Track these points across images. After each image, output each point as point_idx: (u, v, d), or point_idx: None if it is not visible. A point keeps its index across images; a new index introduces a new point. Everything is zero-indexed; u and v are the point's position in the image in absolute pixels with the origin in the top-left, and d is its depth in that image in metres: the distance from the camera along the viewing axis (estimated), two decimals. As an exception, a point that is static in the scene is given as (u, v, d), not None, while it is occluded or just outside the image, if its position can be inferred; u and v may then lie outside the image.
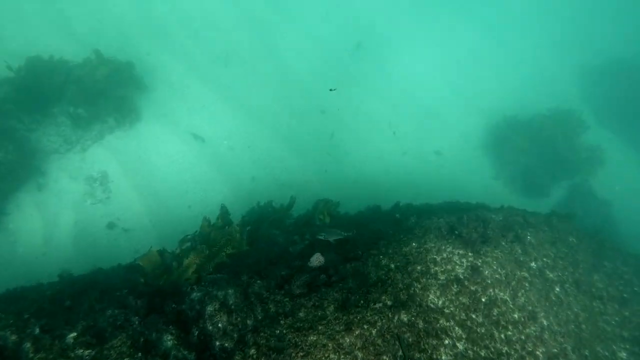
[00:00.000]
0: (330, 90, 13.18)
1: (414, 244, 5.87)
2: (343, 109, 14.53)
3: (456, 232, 6.24)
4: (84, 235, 9.81)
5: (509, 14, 21.98)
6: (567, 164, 15.18)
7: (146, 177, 10.97)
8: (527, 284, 5.86)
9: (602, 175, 15.58)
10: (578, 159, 15.35)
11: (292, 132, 13.05)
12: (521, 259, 6.13)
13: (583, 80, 19.51)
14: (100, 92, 10.77)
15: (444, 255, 5.74)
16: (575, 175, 15.37)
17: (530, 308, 5.62)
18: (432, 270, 5.52)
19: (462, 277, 5.55)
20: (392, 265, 5.56)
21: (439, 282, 5.42)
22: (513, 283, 5.77)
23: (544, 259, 6.38)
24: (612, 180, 15.97)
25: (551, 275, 6.24)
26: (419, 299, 5.16)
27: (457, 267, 5.65)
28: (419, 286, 5.31)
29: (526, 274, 5.99)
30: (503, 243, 6.20)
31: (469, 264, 5.72)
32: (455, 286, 5.43)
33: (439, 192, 13.64)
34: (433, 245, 5.85)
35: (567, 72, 19.92)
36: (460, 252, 5.84)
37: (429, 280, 5.40)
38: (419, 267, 5.53)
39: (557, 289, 6.14)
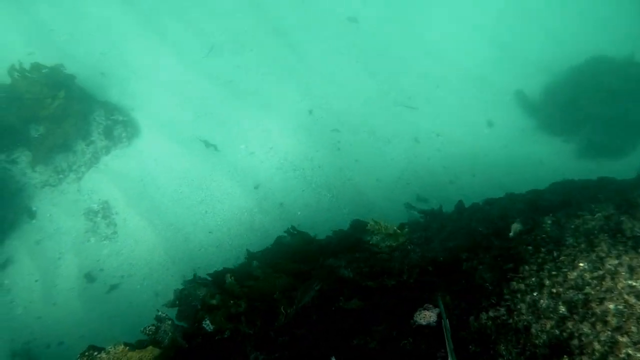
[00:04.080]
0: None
1: (581, 264, 3.57)
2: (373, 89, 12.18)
3: (630, 232, 3.92)
4: (92, 285, 7.86)
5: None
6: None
7: (154, 202, 8.92)
8: None
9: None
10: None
11: (318, 124, 10.79)
12: None
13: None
14: (80, 105, 8.74)
15: (641, 277, 3.44)
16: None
17: None
18: (638, 308, 3.23)
19: (684, 313, 3.24)
20: (563, 308, 3.29)
21: (655, 328, 3.12)
22: None
23: None
24: None
25: None
26: (636, 369, 2.89)
27: (670, 295, 3.34)
28: (627, 342, 3.03)
29: None
30: None
31: (685, 286, 3.41)
32: (681, 331, 3.13)
33: (499, 171, 11.26)
34: (616, 261, 3.54)
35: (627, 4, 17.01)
36: (663, 267, 3.52)
37: None
38: (612, 306, 3.24)
39: None
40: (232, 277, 5.09)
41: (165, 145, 9.71)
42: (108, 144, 9.29)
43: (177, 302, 5.03)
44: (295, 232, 6.16)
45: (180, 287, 5.39)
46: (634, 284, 3.35)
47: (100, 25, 11.66)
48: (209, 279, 5.37)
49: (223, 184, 9.60)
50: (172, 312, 5.02)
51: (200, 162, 9.72)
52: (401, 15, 14.72)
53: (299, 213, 9.47)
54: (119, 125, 9.36)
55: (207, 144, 10.02)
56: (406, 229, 5.56)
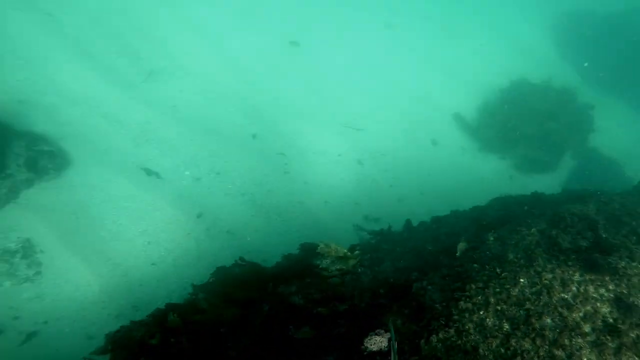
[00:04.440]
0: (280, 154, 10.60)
1: (522, 279, 3.73)
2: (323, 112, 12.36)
3: (561, 245, 4.18)
4: (6, 341, 7.01)
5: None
6: (567, 130, 13.71)
7: (89, 236, 8.28)
8: (692, 306, 3.87)
9: (604, 137, 14.33)
10: (577, 123, 14.00)
11: (267, 147, 10.72)
12: (665, 268, 4.13)
13: (558, 40, 18.43)
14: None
15: (574, 289, 3.64)
16: (579, 141, 13.96)
17: None
18: (570, 320, 3.40)
19: (612, 321, 3.47)
20: (507, 325, 3.39)
21: (588, 339, 3.30)
22: (674, 309, 3.76)
23: (686, 259, 4.42)
24: (615, 142, 14.76)
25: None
26: (575, 380, 3.03)
27: (600, 304, 3.57)
28: (562, 355, 3.17)
29: (682, 290, 4.00)
30: (634, 248, 4.19)
31: (611, 295, 3.66)
32: (610, 339, 3.34)
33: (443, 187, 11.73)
34: (551, 275, 3.74)
35: (541, 34, 18.80)
36: (591, 277, 3.77)
37: (574, 340, 3.27)
38: (549, 320, 3.40)
39: None
40: (175, 314, 4.79)
41: (101, 174, 9.11)
42: (31, 177, 8.50)
43: (110, 347, 4.61)
44: (244, 262, 5.96)
45: (114, 329, 4.97)
46: (566, 296, 3.55)
47: (17, 47, 10.83)
48: (148, 319, 5.00)
49: (167, 213, 9.16)
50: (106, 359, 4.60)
51: (141, 191, 9.21)
52: (345, 39, 15.18)
53: (248, 239, 9.27)
54: (44, 156, 8.65)
55: (149, 172, 9.55)
56: (357, 251, 5.56)
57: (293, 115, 11.78)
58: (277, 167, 10.39)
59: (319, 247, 5.65)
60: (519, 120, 13.40)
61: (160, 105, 10.79)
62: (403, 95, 14.01)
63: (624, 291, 3.68)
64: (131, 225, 8.69)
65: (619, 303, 3.60)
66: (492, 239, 4.40)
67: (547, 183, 12.79)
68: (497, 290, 3.65)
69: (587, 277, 3.73)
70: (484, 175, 12.49)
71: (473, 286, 3.73)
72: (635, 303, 3.62)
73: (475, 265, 4.01)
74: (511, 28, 18.94)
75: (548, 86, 14.50)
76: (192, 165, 10.07)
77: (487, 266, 3.95)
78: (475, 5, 19.28)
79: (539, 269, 3.78)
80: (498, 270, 3.86)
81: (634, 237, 4.38)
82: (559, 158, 13.37)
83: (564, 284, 3.65)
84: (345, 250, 5.66)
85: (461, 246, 4.35)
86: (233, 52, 12.97)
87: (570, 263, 3.86)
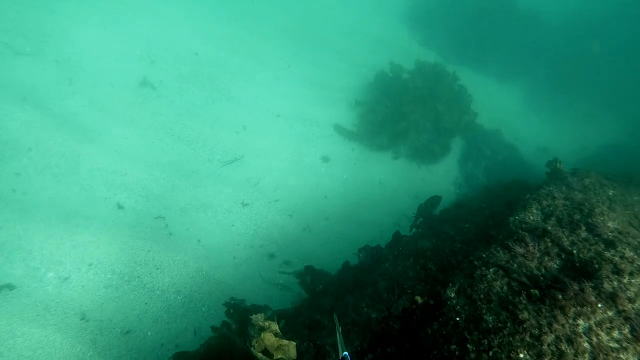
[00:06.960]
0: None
1: (521, 355, 2.77)
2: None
3: (538, 280, 3.37)
4: None
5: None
6: (450, 105, 13.79)
7: None
8: None
9: (478, 107, 14.84)
10: (455, 96, 14.16)
11: (138, 217, 8.80)
12: None
13: (413, 23, 19.17)
14: None
15: (585, 345, 2.79)
16: (465, 118, 14.14)
17: None
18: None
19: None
20: None
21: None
22: None
23: None
24: (492, 112, 15.51)
25: None
26: None
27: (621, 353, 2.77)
28: None
29: None
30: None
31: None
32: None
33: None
34: (553, 336, 2.84)
35: (397, 27, 19.36)
36: (596, 320, 2.97)
37: None
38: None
39: None
40: None
41: None
42: None
43: None
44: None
45: None
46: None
47: None
48: None
49: (33, 335, 6.92)
50: None
51: None
52: (207, 71, 13.54)
53: (149, 333, 7.43)
54: None
55: (-7, 289, 7.14)
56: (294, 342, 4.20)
57: (163, 171, 9.84)
58: (158, 234, 8.56)
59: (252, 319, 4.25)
60: (402, 108, 12.99)
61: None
62: (278, 120, 12.78)
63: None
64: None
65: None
66: (453, 294, 3.40)
67: (445, 168, 12.75)
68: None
69: (592, 320, 2.92)
70: (382, 179, 11.86)
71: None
72: None
73: (453, 346, 2.97)
74: (368, 28, 19.11)
75: (422, 65, 14.47)
76: (54, 263, 7.84)
77: (468, 345, 2.93)
78: (334, 16, 19.09)
79: (535, 332, 2.86)
80: (484, 342, 2.86)
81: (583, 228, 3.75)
82: (450, 139, 13.36)
83: (572, 343, 2.78)
84: (284, 341, 4.27)
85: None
86: (78, 108, 10.54)
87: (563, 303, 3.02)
